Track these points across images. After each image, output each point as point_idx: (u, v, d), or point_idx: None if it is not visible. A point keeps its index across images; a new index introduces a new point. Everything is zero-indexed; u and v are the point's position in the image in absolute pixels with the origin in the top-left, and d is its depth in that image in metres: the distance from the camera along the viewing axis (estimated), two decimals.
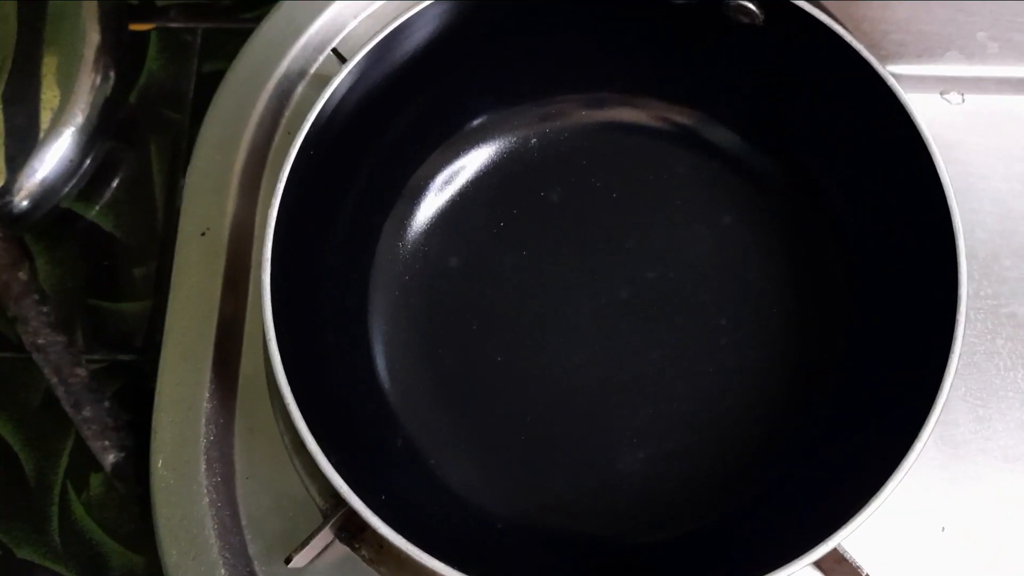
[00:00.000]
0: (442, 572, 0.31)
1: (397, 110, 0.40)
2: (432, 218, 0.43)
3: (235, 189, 0.43)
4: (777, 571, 0.31)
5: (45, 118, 0.45)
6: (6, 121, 0.45)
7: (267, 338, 0.34)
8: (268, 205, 0.36)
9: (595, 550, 0.38)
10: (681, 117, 0.44)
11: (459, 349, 0.40)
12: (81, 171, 0.46)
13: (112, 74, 0.47)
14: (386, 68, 0.38)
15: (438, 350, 0.40)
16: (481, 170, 0.43)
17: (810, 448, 0.38)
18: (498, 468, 0.39)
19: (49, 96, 0.46)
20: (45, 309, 0.42)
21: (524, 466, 0.39)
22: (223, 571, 0.37)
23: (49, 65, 0.46)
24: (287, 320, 0.34)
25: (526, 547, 0.37)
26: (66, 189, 0.46)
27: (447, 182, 0.43)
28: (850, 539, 0.32)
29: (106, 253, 0.45)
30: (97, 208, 0.46)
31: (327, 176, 0.38)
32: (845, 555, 0.35)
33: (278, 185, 0.35)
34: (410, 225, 0.42)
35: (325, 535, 0.37)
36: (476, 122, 0.43)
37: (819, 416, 0.39)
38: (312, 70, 0.45)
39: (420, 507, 0.37)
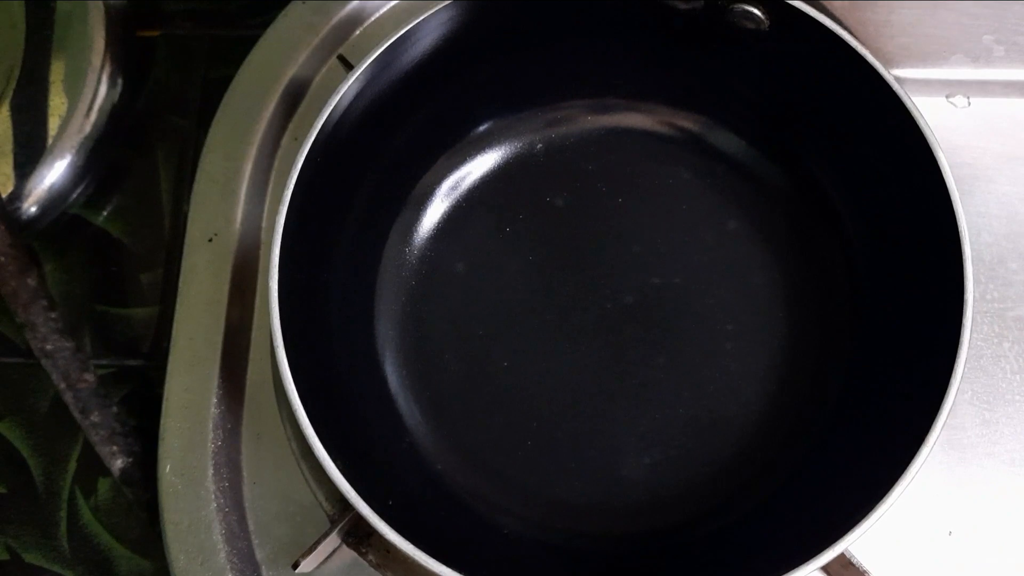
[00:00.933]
0: None
1: (403, 116, 0.40)
2: (438, 224, 0.43)
3: (242, 195, 0.43)
4: None
5: (53, 125, 0.46)
6: (14, 128, 0.45)
7: (275, 344, 0.34)
8: (275, 211, 0.36)
9: (602, 556, 0.38)
10: (687, 123, 0.44)
11: (465, 355, 0.41)
12: (88, 178, 0.46)
13: (119, 81, 0.47)
14: (392, 75, 0.38)
15: (444, 356, 0.41)
16: (487, 176, 0.43)
17: (816, 453, 0.38)
18: (504, 474, 0.39)
19: (57, 103, 0.46)
20: (53, 315, 0.42)
21: (530, 472, 0.39)
22: None
23: (57, 72, 0.46)
24: (294, 326, 0.34)
25: (532, 553, 0.37)
26: (74, 196, 0.46)
27: (453, 188, 0.43)
28: (857, 543, 0.32)
29: (114, 259, 0.46)
30: (105, 214, 0.46)
31: (334, 182, 0.38)
32: (852, 560, 0.35)
33: (286, 192, 0.36)
34: (416, 231, 0.43)
35: (332, 540, 0.37)
36: (482, 128, 0.43)
37: (825, 421, 0.39)
38: (318, 76, 0.45)
39: (427, 513, 0.37)
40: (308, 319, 0.37)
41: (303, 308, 0.36)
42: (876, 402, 0.37)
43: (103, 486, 0.42)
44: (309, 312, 0.37)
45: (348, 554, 0.38)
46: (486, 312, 0.41)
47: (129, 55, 0.48)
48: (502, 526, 0.38)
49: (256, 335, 0.42)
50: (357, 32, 0.46)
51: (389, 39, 0.38)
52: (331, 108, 0.37)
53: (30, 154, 0.45)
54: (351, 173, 0.40)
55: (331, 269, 0.39)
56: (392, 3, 0.46)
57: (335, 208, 0.39)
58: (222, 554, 0.38)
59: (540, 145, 0.44)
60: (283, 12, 0.46)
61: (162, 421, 0.39)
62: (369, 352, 0.40)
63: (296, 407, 0.33)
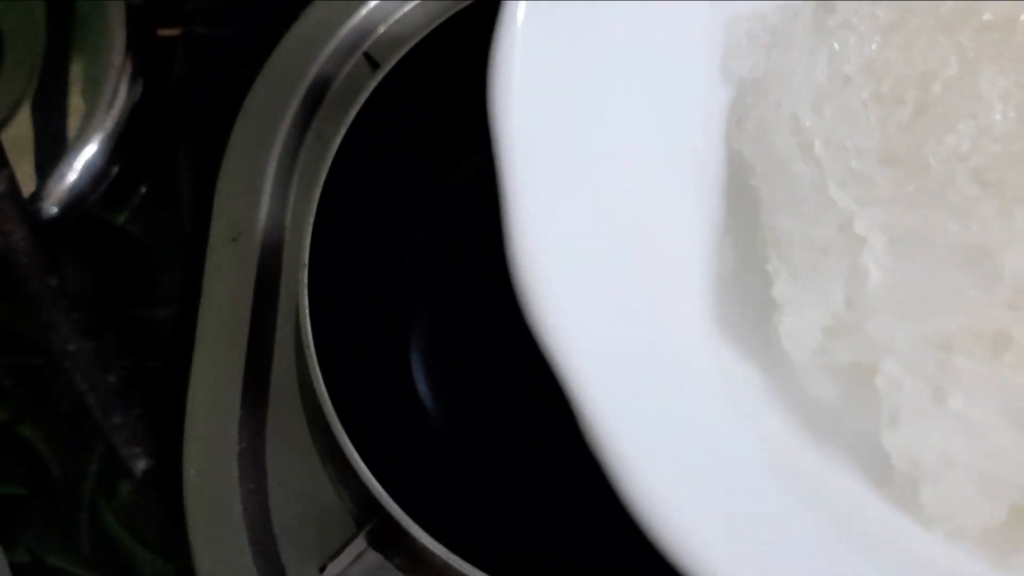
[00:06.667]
0: None
1: (433, 114, 0.40)
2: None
3: (266, 195, 0.42)
4: None
5: (74, 125, 0.45)
6: (36, 129, 0.45)
7: (305, 345, 0.33)
8: (300, 210, 0.36)
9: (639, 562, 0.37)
10: None
11: (507, 360, 0.40)
12: (110, 177, 0.46)
13: (140, 80, 0.47)
14: (420, 72, 0.38)
15: (483, 359, 0.40)
16: None
17: None
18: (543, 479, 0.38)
19: (77, 103, 0.46)
20: (74, 316, 0.42)
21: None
22: None
23: (77, 72, 0.46)
24: (324, 326, 0.34)
25: (572, 559, 0.37)
26: (94, 196, 0.46)
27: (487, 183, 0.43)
28: None
29: (135, 259, 0.45)
30: (125, 214, 0.46)
31: (363, 180, 0.38)
32: None
33: (314, 190, 0.35)
34: (451, 231, 0.42)
35: (358, 543, 0.36)
36: None
37: None
38: (342, 74, 0.45)
39: (458, 515, 0.36)
40: (338, 319, 0.36)
41: (332, 308, 0.36)
42: None
43: (125, 488, 0.42)
44: (339, 312, 0.37)
45: (374, 557, 0.37)
46: None
47: (150, 54, 0.48)
48: (540, 531, 0.37)
49: (280, 335, 0.41)
50: (381, 30, 0.46)
51: (416, 37, 0.37)
52: (359, 106, 0.36)
53: (51, 154, 0.45)
54: (380, 170, 0.39)
55: (362, 269, 0.39)
56: (415, 2, 0.46)
57: (365, 206, 0.39)
58: (247, 557, 0.37)
59: None
60: (306, 10, 0.45)
61: (187, 422, 0.39)
62: (402, 353, 0.40)
63: (326, 407, 0.33)
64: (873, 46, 0.25)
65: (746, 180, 0.26)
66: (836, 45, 0.25)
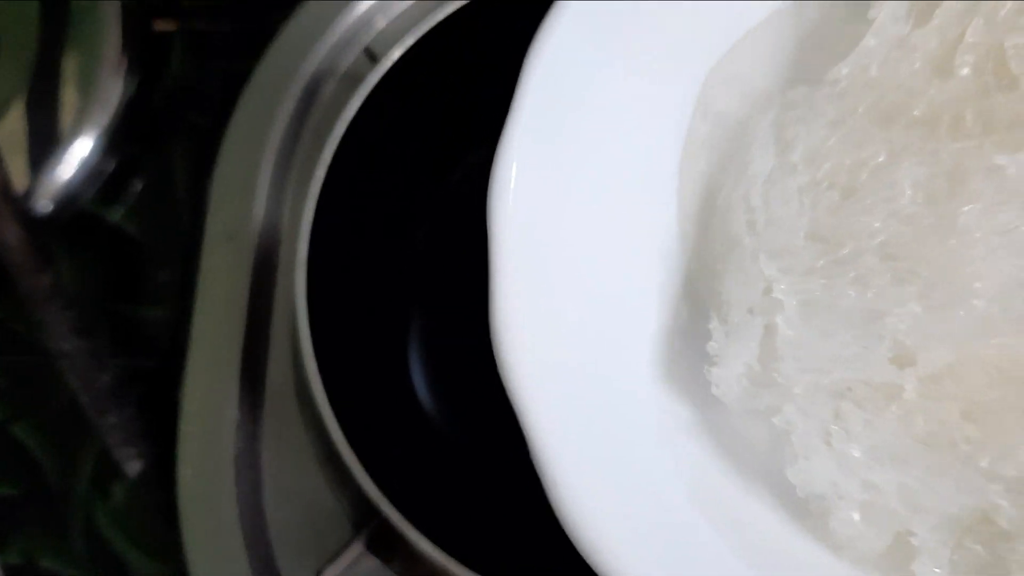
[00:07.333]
0: None
1: (433, 110, 0.39)
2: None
3: (263, 192, 0.42)
4: None
5: (67, 121, 0.45)
6: (29, 124, 0.45)
7: (302, 347, 0.33)
8: (296, 208, 0.35)
9: None
10: None
11: None
12: (104, 174, 0.46)
13: (135, 75, 0.46)
14: (420, 68, 0.38)
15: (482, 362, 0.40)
16: None
17: None
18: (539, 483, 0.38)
19: (72, 98, 0.45)
20: (69, 314, 0.41)
21: None
22: None
23: (71, 67, 0.46)
24: (321, 327, 0.34)
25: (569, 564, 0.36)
26: (90, 193, 0.46)
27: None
28: None
29: (129, 257, 0.45)
30: (120, 212, 0.46)
31: (361, 179, 0.38)
32: None
33: (311, 187, 0.35)
34: (450, 230, 0.42)
35: (355, 547, 0.36)
36: None
37: None
38: (340, 70, 0.45)
39: (456, 519, 0.36)
40: (335, 319, 0.36)
41: (329, 308, 0.35)
42: None
43: (119, 490, 0.41)
44: (336, 312, 0.36)
45: (371, 562, 0.37)
46: None
47: (145, 49, 0.47)
48: (537, 536, 0.37)
49: (276, 336, 0.41)
50: (380, 25, 0.45)
51: (417, 32, 0.37)
52: (358, 102, 0.36)
53: (45, 151, 0.44)
54: (379, 167, 0.39)
55: (360, 269, 0.38)
56: None
57: (363, 204, 0.38)
58: (243, 561, 0.37)
59: None
60: (303, 5, 0.45)
61: (181, 424, 0.39)
62: (398, 354, 0.39)
63: (323, 410, 0.32)
64: (817, 139, 0.28)
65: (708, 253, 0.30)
66: (789, 137, 0.29)
